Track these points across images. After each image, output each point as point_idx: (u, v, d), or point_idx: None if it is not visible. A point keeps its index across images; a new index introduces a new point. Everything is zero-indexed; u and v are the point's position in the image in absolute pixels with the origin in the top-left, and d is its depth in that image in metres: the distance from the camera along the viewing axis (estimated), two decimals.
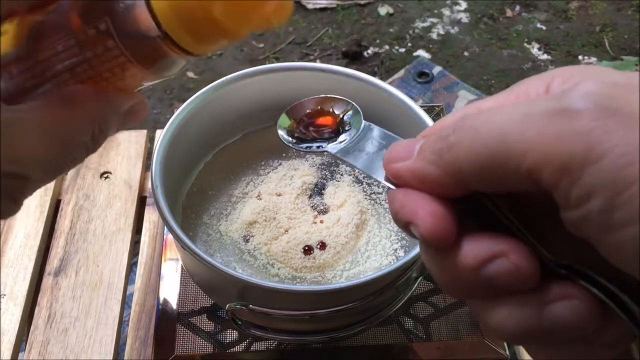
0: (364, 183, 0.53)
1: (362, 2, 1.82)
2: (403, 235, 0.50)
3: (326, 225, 0.48)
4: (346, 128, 0.30)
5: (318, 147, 0.30)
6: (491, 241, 0.18)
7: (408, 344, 0.51)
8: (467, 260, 0.18)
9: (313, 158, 0.54)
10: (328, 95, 0.34)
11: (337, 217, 0.49)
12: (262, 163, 0.54)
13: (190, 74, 1.60)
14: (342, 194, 0.51)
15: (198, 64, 1.62)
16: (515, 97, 0.20)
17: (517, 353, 0.54)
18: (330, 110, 0.33)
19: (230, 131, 0.55)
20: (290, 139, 0.32)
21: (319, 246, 0.47)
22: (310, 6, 1.80)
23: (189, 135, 0.49)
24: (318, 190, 0.52)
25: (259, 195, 0.51)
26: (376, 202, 0.52)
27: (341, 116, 0.32)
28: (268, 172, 0.53)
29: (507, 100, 0.20)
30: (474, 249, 0.18)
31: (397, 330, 0.51)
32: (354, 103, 0.32)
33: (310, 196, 0.51)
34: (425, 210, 0.19)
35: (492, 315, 0.19)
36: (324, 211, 0.50)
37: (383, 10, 1.81)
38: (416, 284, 0.48)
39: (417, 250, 0.41)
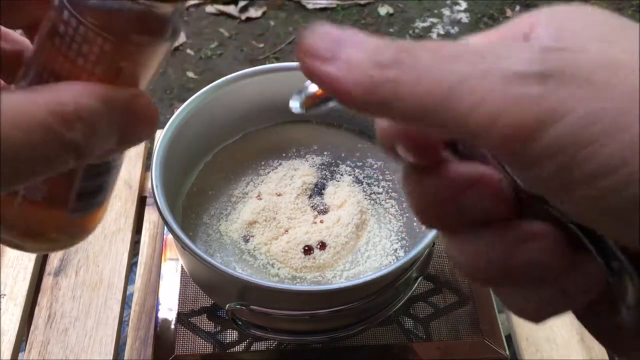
0: (364, 183, 0.53)
1: (362, 2, 1.83)
2: (403, 235, 0.50)
3: (326, 225, 0.48)
4: None
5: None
6: (472, 167, 0.18)
7: (408, 344, 0.51)
8: (448, 182, 0.18)
9: (313, 158, 0.54)
10: None
11: (337, 217, 0.49)
12: (262, 163, 0.54)
13: (190, 74, 1.60)
14: (342, 194, 0.51)
15: (198, 64, 1.63)
16: (503, 35, 0.19)
17: (517, 353, 0.54)
18: None
19: (230, 131, 0.55)
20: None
21: (319, 246, 0.47)
22: (310, 6, 1.80)
23: (189, 135, 0.49)
24: (318, 190, 0.52)
25: (259, 195, 0.51)
26: (376, 202, 0.52)
27: None
28: (268, 172, 0.53)
29: (491, 37, 0.19)
30: (456, 172, 0.18)
31: (397, 330, 0.52)
32: None
33: (310, 196, 0.51)
34: (411, 129, 0.18)
35: (464, 248, 0.18)
36: (324, 211, 0.50)
37: (383, 10, 1.81)
38: (416, 284, 0.48)
39: (417, 250, 0.41)
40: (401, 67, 0.16)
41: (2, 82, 0.24)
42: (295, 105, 0.20)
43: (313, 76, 0.17)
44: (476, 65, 0.15)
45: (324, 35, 0.17)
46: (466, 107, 0.15)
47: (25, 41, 0.24)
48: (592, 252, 0.16)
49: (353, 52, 0.16)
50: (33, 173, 0.19)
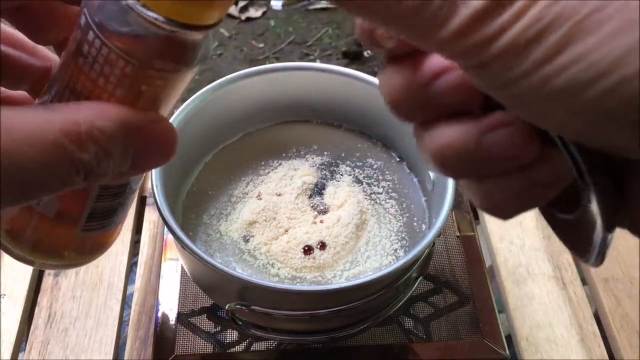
0: (364, 183, 0.53)
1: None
2: (403, 235, 0.50)
3: (326, 225, 0.48)
4: None
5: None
6: (442, 58, 0.18)
7: (408, 344, 0.51)
8: (421, 72, 0.18)
9: (313, 158, 0.54)
10: None
11: (337, 217, 0.49)
12: (262, 163, 0.54)
13: None
14: (342, 194, 0.51)
15: None
16: None
17: (517, 353, 0.54)
18: None
19: (230, 131, 0.55)
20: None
21: (319, 246, 0.47)
22: (310, 6, 1.80)
23: (189, 135, 0.49)
24: (318, 190, 0.52)
25: (259, 195, 0.51)
26: (376, 202, 0.52)
27: None
28: (268, 172, 0.53)
29: None
30: (426, 61, 0.18)
31: (397, 330, 0.52)
32: None
33: (310, 196, 0.51)
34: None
35: (433, 135, 0.19)
36: (324, 211, 0.50)
37: None
38: (416, 284, 0.48)
39: (417, 250, 0.41)
40: None
41: (29, 96, 0.25)
42: (276, 2, 0.20)
43: None
44: None
45: None
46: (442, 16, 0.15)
47: (55, 58, 0.25)
48: (557, 145, 0.17)
49: None
50: (41, 190, 0.19)
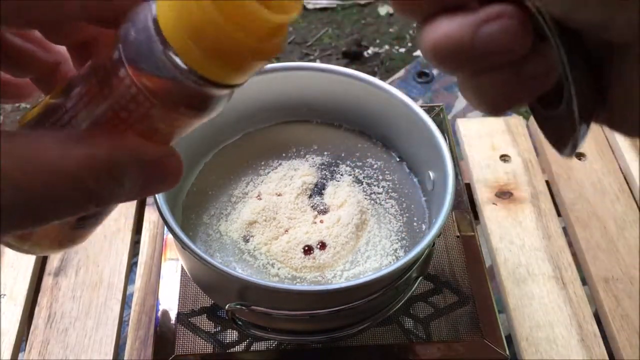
0: (364, 183, 0.53)
1: (362, 2, 1.83)
2: (403, 235, 0.50)
3: (326, 225, 0.48)
4: None
5: None
6: None
7: (408, 344, 0.51)
8: None
9: (313, 158, 0.54)
10: None
11: (337, 217, 0.49)
12: (262, 163, 0.54)
13: None
14: (342, 194, 0.51)
15: None
16: None
17: (517, 353, 0.54)
18: None
19: (230, 131, 0.55)
20: None
21: (319, 246, 0.47)
22: (310, 6, 1.80)
23: (189, 135, 0.49)
24: (318, 190, 0.52)
25: (259, 195, 0.51)
26: (376, 202, 0.52)
27: None
28: (268, 172, 0.53)
29: None
30: None
31: (397, 330, 0.52)
32: None
33: (310, 196, 0.51)
34: None
35: (431, 28, 0.19)
36: (324, 211, 0.50)
37: (383, 10, 1.81)
38: (416, 284, 0.48)
39: (417, 250, 0.41)
40: None
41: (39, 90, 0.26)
42: None
43: None
44: None
45: None
46: None
47: (65, 53, 0.25)
48: (549, 37, 0.18)
49: None
50: (55, 216, 0.20)
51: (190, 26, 0.19)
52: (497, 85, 0.19)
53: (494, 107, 0.20)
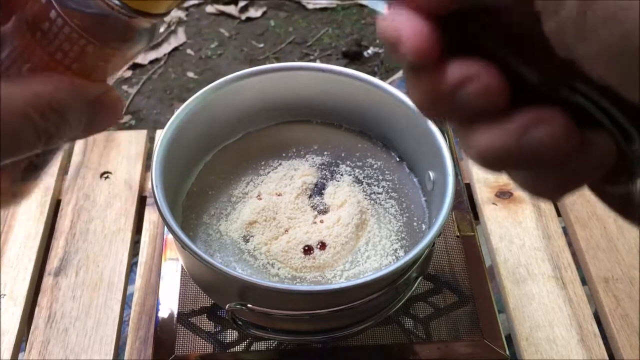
0: (364, 183, 0.53)
1: (362, 2, 1.83)
2: (403, 235, 0.50)
3: (326, 225, 0.48)
4: None
5: None
6: (467, 64, 0.18)
7: (408, 344, 0.51)
8: (444, 81, 0.18)
9: (313, 158, 0.54)
10: None
11: (337, 217, 0.49)
12: (262, 163, 0.54)
13: (190, 74, 1.60)
14: (342, 194, 0.51)
15: (198, 64, 1.62)
16: None
17: (517, 353, 0.54)
18: None
19: (230, 131, 0.55)
20: None
21: (319, 246, 0.47)
22: (310, 6, 1.80)
23: (189, 135, 0.49)
24: (318, 190, 0.52)
25: (259, 195, 0.51)
26: (376, 202, 0.52)
27: None
28: (268, 172, 0.53)
29: None
30: (451, 71, 0.18)
31: (397, 330, 0.52)
32: None
33: (310, 196, 0.51)
34: (412, 28, 0.19)
35: (472, 139, 0.19)
36: (324, 211, 0.50)
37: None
38: (416, 284, 0.48)
39: (417, 250, 0.41)
40: None
41: None
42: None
43: None
44: None
45: None
46: None
47: None
48: (602, 122, 0.17)
49: None
50: (7, 156, 0.21)
51: None
52: (549, 180, 0.19)
53: (553, 197, 0.20)
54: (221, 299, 0.47)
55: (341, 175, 0.53)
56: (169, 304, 0.53)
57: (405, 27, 0.19)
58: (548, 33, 0.17)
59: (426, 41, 0.18)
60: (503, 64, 0.18)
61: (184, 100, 0.49)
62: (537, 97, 0.18)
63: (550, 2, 0.16)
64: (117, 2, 0.21)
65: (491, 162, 0.19)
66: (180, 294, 0.53)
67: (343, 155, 0.55)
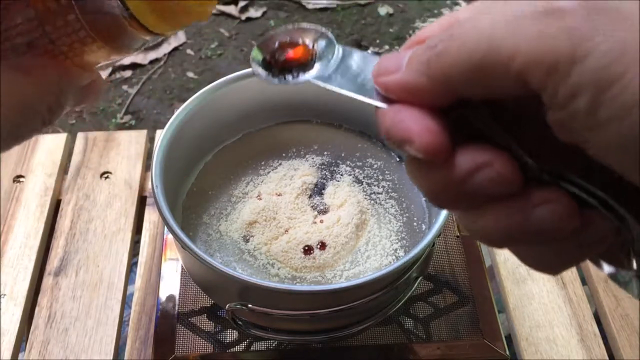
0: (364, 183, 0.53)
1: (362, 2, 1.83)
2: (403, 235, 0.50)
3: (326, 225, 0.48)
4: (318, 55, 0.29)
5: (295, 76, 0.29)
6: (476, 153, 0.19)
7: (408, 344, 0.51)
8: (455, 172, 0.19)
9: (313, 158, 0.54)
10: (297, 26, 0.33)
11: (337, 217, 0.49)
12: (262, 163, 0.54)
13: (190, 74, 1.60)
14: (342, 194, 0.51)
15: (198, 64, 1.62)
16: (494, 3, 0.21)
17: (517, 353, 0.54)
18: (301, 41, 0.32)
19: (230, 131, 0.55)
20: (265, 72, 0.30)
21: (319, 246, 0.47)
22: (310, 6, 1.80)
23: (189, 135, 0.49)
24: (318, 190, 0.52)
25: (259, 195, 0.51)
26: (376, 202, 0.52)
27: (313, 45, 0.31)
28: (268, 172, 0.53)
29: (484, 5, 0.20)
30: (461, 161, 0.19)
31: (397, 330, 0.52)
32: (324, 29, 0.31)
33: (310, 196, 0.51)
34: (420, 126, 0.19)
35: (478, 222, 0.20)
36: (324, 211, 0.50)
37: (383, 10, 1.81)
38: (416, 284, 0.48)
39: (417, 250, 0.41)
40: (446, 41, 0.18)
41: None
42: (265, 75, 0.27)
43: (386, 89, 0.21)
44: (505, 17, 0.17)
45: (388, 57, 0.21)
46: (507, 53, 0.16)
47: None
48: (599, 210, 0.18)
49: (411, 53, 0.20)
50: (15, 144, 0.25)
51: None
52: (550, 256, 0.20)
53: (553, 272, 0.21)
54: (221, 299, 0.47)
55: (341, 175, 0.53)
56: (169, 304, 0.53)
57: (413, 125, 0.19)
58: (554, 122, 0.17)
59: (437, 138, 0.19)
60: (504, 149, 0.19)
61: (184, 100, 0.49)
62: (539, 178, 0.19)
63: (559, 96, 0.16)
64: (128, 15, 0.24)
65: (497, 241, 0.20)
66: (180, 294, 0.53)
67: (343, 155, 0.55)
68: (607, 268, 0.20)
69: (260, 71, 0.29)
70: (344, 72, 0.25)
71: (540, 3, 0.17)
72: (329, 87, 0.25)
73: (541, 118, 0.18)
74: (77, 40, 0.24)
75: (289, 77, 0.28)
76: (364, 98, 0.23)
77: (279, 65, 0.29)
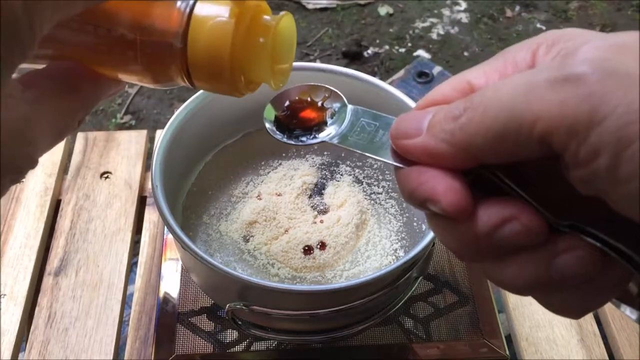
0: (364, 183, 0.53)
1: (362, 2, 1.83)
2: (403, 236, 0.50)
3: (326, 225, 0.48)
4: (330, 114, 0.30)
5: (310, 137, 0.29)
6: (501, 207, 0.20)
7: (408, 344, 0.51)
8: (481, 226, 0.20)
9: (313, 158, 0.54)
10: (305, 84, 0.33)
11: (337, 217, 0.49)
12: (262, 163, 0.54)
13: None
14: (342, 194, 0.51)
15: None
16: (503, 67, 0.22)
17: (517, 353, 0.54)
18: (310, 99, 0.32)
19: (230, 131, 0.55)
20: (280, 134, 0.31)
21: (319, 246, 0.47)
22: (310, 6, 1.80)
23: (189, 135, 0.49)
24: (318, 190, 0.52)
25: (259, 195, 0.51)
26: (376, 202, 0.52)
27: (322, 103, 0.31)
28: (268, 172, 0.53)
29: (496, 71, 0.22)
30: (487, 216, 0.20)
31: (397, 330, 0.52)
32: (333, 88, 0.31)
33: (310, 196, 0.51)
34: (444, 186, 0.20)
35: (504, 272, 0.20)
36: (324, 211, 0.50)
37: (383, 10, 1.81)
38: (416, 284, 0.48)
39: (417, 250, 0.41)
40: (469, 111, 0.19)
41: None
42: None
43: (407, 152, 0.21)
44: (524, 86, 0.18)
45: (405, 119, 0.22)
46: (529, 120, 0.18)
47: None
48: (617, 258, 0.19)
49: (433, 120, 0.21)
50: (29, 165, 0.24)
51: (215, 69, 0.23)
52: (572, 301, 0.20)
53: (577, 316, 0.21)
54: (221, 299, 0.47)
55: (341, 175, 0.53)
56: (169, 304, 0.53)
57: (437, 185, 0.20)
58: (576, 179, 0.18)
59: (462, 196, 0.20)
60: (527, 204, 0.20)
61: (184, 100, 0.49)
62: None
63: (580, 156, 0.17)
64: (187, 70, 0.24)
65: (523, 289, 0.20)
66: (180, 294, 0.53)
67: (343, 155, 0.55)
68: (631, 314, 0.22)
69: (276, 132, 0.30)
70: (359, 132, 0.26)
71: (554, 71, 0.18)
72: (345, 147, 0.26)
73: (555, 172, 0.19)
74: (126, 60, 0.24)
75: (304, 138, 0.29)
76: (383, 159, 0.24)
77: (293, 126, 0.30)
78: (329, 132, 0.28)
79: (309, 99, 0.32)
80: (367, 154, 0.25)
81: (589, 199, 0.18)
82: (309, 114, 0.32)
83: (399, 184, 0.22)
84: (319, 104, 0.31)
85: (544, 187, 0.20)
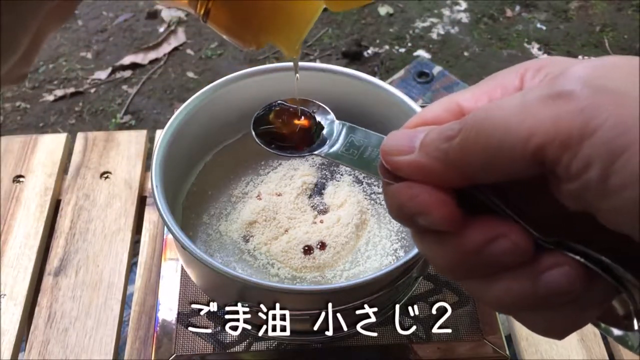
0: (364, 183, 0.53)
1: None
2: (403, 235, 0.50)
3: (326, 225, 0.48)
4: (318, 128, 0.31)
5: (301, 151, 0.30)
6: (490, 224, 0.20)
7: (408, 344, 0.51)
8: (470, 242, 0.20)
9: (313, 158, 0.54)
10: (294, 98, 0.34)
11: (337, 217, 0.49)
12: (262, 163, 0.54)
13: (190, 74, 1.60)
14: (342, 194, 0.51)
15: (198, 64, 1.62)
16: (492, 90, 0.22)
17: (517, 353, 0.54)
18: (300, 112, 0.33)
19: (230, 131, 0.55)
20: (269, 147, 0.32)
21: (319, 246, 0.47)
22: None
23: (189, 135, 0.49)
24: (318, 190, 0.52)
25: (259, 195, 0.51)
26: (376, 202, 0.52)
27: (310, 116, 0.32)
28: (268, 172, 0.53)
29: (485, 94, 0.22)
30: (477, 232, 0.20)
31: (397, 330, 0.51)
32: (321, 104, 0.32)
33: (310, 196, 0.51)
34: (435, 199, 0.20)
35: (490, 291, 0.20)
36: (324, 211, 0.50)
37: (383, 10, 1.81)
38: (416, 284, 0.48)
39: (417, 250, 0.41)
40: (463, 131, 0.20)
41: None
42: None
43: (398, 169, 0.21)
44: (516, 105, 0.19)
45: (396, 137, 0.22)
46: (523, 136, 0.18)
47: None
48: (602, 275, 0.19)
49: (426, 139, 0.21)
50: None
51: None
52: (560, 319, 0.20)
53: (560, 336, 0.21)
54: (221, 299, 0.47)
55: (341, 175, 0.53)
56: (169, 304, 0.53)
57: (428, 198, 0.20)
58: (566, 193, 0.18)
59: (453, 209, 0.20)
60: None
61: (184, 100, 0.49)
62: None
63: (572, 168, 0.17)
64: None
65: (509, 307, 0.21)
66: (180, 294, 0.53)
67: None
68: (616, 331, 0.21)
69: (266, 145, 0.30)
70: (349, 148, 0.27)
71: (546, 89, 0.18)
72: (337, 161, 0.27)
73: (540, 192, 0.19)
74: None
75: (294, 152, 0.30)
76: (374, 175, 0.24)
77: (281, 137, 0.31)
78: (323, 148, 0.29)
79: (298, 112, 0.33)
80: (359, 170, 0.26)
81: (573, 218, 0.19)
82: (297, 125, 0.33)
83: (386, 200, 0.22)
84: (308, 117, 0.32)
85: (530, 207, 0.20)
